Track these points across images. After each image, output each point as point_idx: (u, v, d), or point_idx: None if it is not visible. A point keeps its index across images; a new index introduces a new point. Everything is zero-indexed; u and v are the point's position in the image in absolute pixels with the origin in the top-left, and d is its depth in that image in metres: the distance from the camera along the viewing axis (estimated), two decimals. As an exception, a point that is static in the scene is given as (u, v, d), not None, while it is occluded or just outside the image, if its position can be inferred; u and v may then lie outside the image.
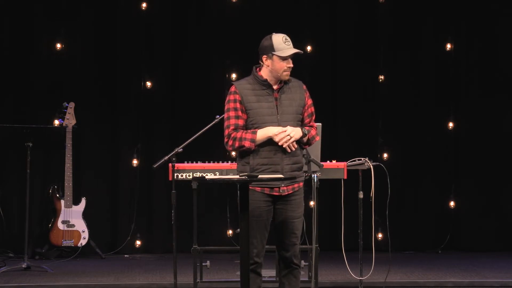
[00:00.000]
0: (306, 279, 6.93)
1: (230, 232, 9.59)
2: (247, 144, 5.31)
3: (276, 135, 5.29)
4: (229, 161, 6.86)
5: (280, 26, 9.82)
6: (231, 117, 5.38)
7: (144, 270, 8.34)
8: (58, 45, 9.62)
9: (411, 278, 7.80)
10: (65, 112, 8.91)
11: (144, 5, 9.77)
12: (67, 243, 8.98)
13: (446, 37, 10.03)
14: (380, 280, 7.28)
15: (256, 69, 5.51)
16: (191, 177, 6.83)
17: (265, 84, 5.42)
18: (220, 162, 6.90)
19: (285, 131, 5.30)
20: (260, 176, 5.18)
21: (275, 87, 5.44)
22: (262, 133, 5.31)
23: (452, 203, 9.98)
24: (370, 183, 6.70)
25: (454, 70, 10.06)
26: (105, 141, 9.74)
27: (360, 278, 6.97)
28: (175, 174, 6.70)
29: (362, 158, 6.83)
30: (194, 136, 6.59)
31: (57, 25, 9.64)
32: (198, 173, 6.86)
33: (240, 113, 5.37)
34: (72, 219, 9.00)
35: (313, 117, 5.57)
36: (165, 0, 9.88)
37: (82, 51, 9.74)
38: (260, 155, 5.33)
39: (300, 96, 5.48)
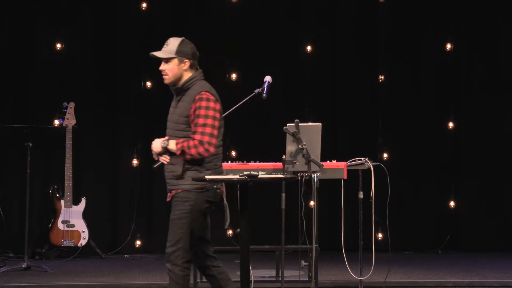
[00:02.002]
0: (306, 279, 6.93)
1: (230, 232, 9.59)
2: None
3: (153, 153, 5.39)
4: (229, 161, 6.85)
5: (280, 26, 9.93)
6: None
7: (144, 270, 8.34)
8: (58, 45, 9.62)
9: (411, 278, 7.80)
10: (65, 112, 8.91)
11: (144, 5, 9.78)
12: (67, 243, 8.98)
13: (446, 37, 10.04)
14: (380, 280, 7.28)
15: None
16: (191, 177, 6.81)
17: (172, 89, 5.48)
18: (220, 162, 6.88)
19: (152, 148, 5.38)
20: (260, 176, 5.17)
21: (176, 93, 5.45)
22: None
23: (452, 203, 9.99)
24: (370, 183, 6.69)
25: (454, 70, 10.07)
26: (105, 141, 9.75)
27: (360, 278, 6.97)
28: (175, 174, 6.69)
29: (362, 158, 6.83)
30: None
31: (57, 25, 9.65)
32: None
33: None
34: (72, 219, 9.01)
35: (198, 129, 5.21)
36: (165, 0, 9.88)
37: (82, 51, 9.74)
38: None
39: (187, 105, 5.33)
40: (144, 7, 9.78)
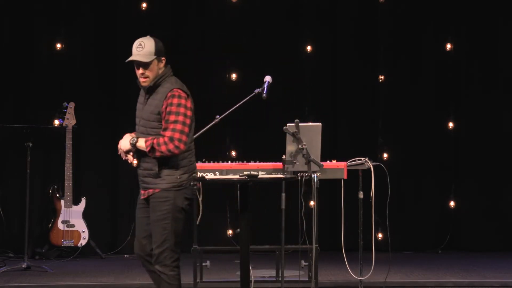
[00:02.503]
0: (306, 279, 6.93)
1: (230, 232, 9.59)
2: None
3: (121, 152, 5.35)
4: (229, 161, 6.85)
5: (280, 26, 9.93)
6: None
7: (144, 270, 8.28)
8: (58, 45, 9.62)
9: (411, 278, 7.80)
10: (65, 112, 8.91)
11: (144, 5, 9.77)
12: (67, 243, 8.98)
13: (446, 37, 10.04)
14: (380, 280, 7.28)
15: None
16: (191, 177, 6.81)
17: (144, 87, 5.37)
18: (220, 162, 6.89)
19: (120, 147, 5.33)
20: (260, 176, 5.18)
21: (147, 91, 5.34)
22: None
23: (452, 203, 9.99)
24: (370, 183, 6.69)
25: (454, 70, 10.06)
26: (105, 141, 9.74)
27: (360, 278, 6.97)
28: (175, 174, 6.69)
29: (362, 158, 6.83)
30: (194, 136, 6.57)
31: (57, 25, 9.65)
32: (198, 173, 6.85)
33: None
34: (72, 219, 9.01)
35: (169, 126, 5.16)
36: (165, 0, 9.88)
37: (82, 51, 9.74)
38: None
39: (158, 102, 5.26)
40: (144, 7, 9.78)
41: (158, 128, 5.21)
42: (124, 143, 5.31)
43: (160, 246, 5.18)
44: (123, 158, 5.36)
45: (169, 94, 5.22)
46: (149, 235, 5.27)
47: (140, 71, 5.30)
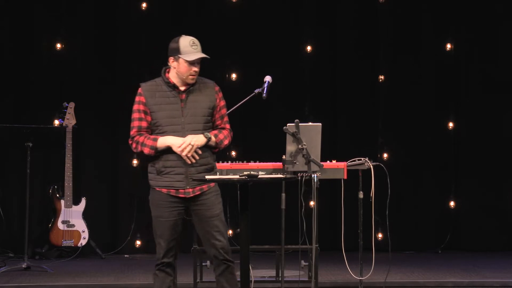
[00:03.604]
0: (306, 279, 6.93)
1: (230, 232, 9.59)
2: (146, 150, 5.30)
3: (178, 147, 5.23)
4: (229, 161, 6.85)
5: (280, 26, 9.93)
6: (135, 119, 5.37)
7: (144, 270, 8.33)
8: (58, 45, 9.62)
9: (411, 278, 7.80)
10: (65, 112, 8.91)
11: (144, 5, 9.78)
12: (67, 243, 8.98)
13: (446, 37, 10.04)
14: (380, 280, 7.28)
15: (165, 70, 5.49)
16: (191, 177, 6.81)
17: (170, 86, 5.36)
18: (220, 162, 6.89)
19: (185, 143, 5.23)
20: (260, 176, 5.18)
21: (182, 88, 5.36)
22: (162, 142, 5.28)
23: (452, 203, 9.99)
24: (370, 183, 6.69)
25: (454, 70, 10.06)
26: (105, 141, 9.75)
27: (360, 278, 6.97)
28: (175, 174, 6.68)
29: (362, 158, 6.83)
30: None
31: (57, 25, 9.65)
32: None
33: (143, 115, 5.35)
34: (72, 219, 9.01)
35: (226, 119, 5.44)
36: (165, 0, 9.88)
37: (82, 51, 9.74)
38: (166, 157, 5.30)
39: (210, 97, 5.38)
40: (144, 7, 9.78)
41: (209, 123, 5.35)
42: (199, 138, 5.27)
43: (225, 238, 5.31)
44: (189, 156, 5.25)
45: (217, 88, 5.45)
46: (178, 238, 5.32)
47: (196, 69, 5.38)
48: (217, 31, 9.78)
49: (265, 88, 6.00)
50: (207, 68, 9.85)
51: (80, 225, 9.02)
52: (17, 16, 9.60)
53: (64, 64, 9.63)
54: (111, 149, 9.78)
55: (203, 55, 5.38)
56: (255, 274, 6.98)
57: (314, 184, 5.87)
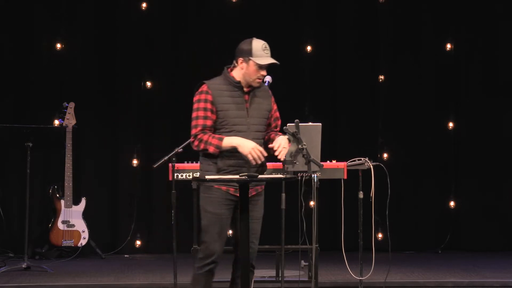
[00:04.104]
0: (306, 279, 6.93)
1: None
2: (211, 149, 5.25)
3: (250, 151, 5.20)
4: (229, 161, 6.84)
5: (280, 26, 9.92)
6: (200, 117, 5.32)
7: (144, 270, 8.34)
8: (58, 45, 9.62)
9: (411, 278, 7.80)
10: (65, 112, 8.91)
11: (144, 5, 9.78)
12: (67, 243, 8.98)
13: (446, 37, 10.04)
14: (380, 280, 7.28)
15: (227, 69, 5.48)
16: (191, 177, 6.82)
17: (237, 86, 5.37)
18: (220, 162, 6.89)
19: (258, 149, 5.23)
20: (260, 176, 5.17)
21: (245, 89, 5.39)
22: (229, 142, 5.24)
23: (452, 203, 9.99)
24: (370, 183, 6.69)
25: (454, 70, 10.07)
26: (105, 141, 9.74)
27: (360, 278, 6.96)
28: (175, 174, 6.70)
29: (362, 158, 6.83)
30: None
31: (57, 25, 9.65)
32: (198, 173, 6.84)
33: (209, 113, 5.31)
34: (72, 219, 9.01)
35: (279, 122, 5.54)
36: (165, 0, 9.88)
37: (82, 51, 9.74)
38: (228, 157, 5.28)
39: (268, 101, 5.44)
40: (144, 7, 9.78)
41: (266, 124, 5.44)
42: (284, 139, 5.34)
43: (256, 245, 5.40)
44: (252, 161, 5.23)
45: (270, 92, 5.51)
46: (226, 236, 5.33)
47: (264, 73, 5.40)
48: (217, 31, 9.78)
49: (265, 88, 5.99)
50: (207, 68, 9.89)
51: (80, 225, 9.02)
52: (17, 16, 9.60)
53: (64, 64, 9.63)
54: (111, 149, 9.78)
55: (274, 61, 5.38)
56: (255, 274, 6.97)
57: (314, 184, 5.87)
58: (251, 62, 5.38)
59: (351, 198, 7.09)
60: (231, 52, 10.38)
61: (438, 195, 10.00)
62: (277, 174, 6.34)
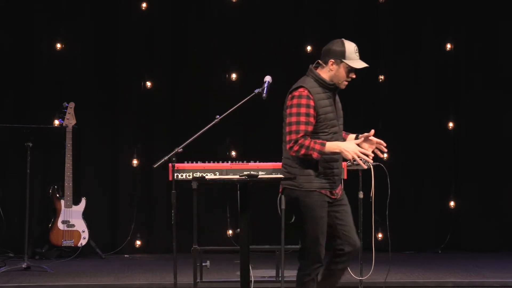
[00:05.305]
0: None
1: (230, 232, 9.59)
2: (314, 155, 5.17)
3: (353, 155, 5.20)
4: (229, 161, 6.85)
5: (280, 26, 9.92)
6: (302, 122, 5.22)
7: (144, 270, 8.34)
8: (58, 45, 9.62)
9: (411, 278, 7.80)
10: (65, 112, 8.91)
11: (144, 5, 9.78)
12: (67, 243, 8.98)
13: (446, 37, 10.04)
14: (380, 280, 7.28)
15: (315, 69, 5.43)
16: (191, 177, 6.82)
17: (331, 87, 5.36)
18: (220, 162, 6.90)
19: (360, 150, 5.25)
20: (260, 176, 5.17)
21: (334, 93, 5.43)
22: (332, 147, 5.21)
23: (452, 203, 9.99)
24: (370, 183, 6.69)
25: (454, 70, 10.06)
26: (105, 141, 9.75)
27: (360, 278, 6.96)
28: (175, 174, 6.69)
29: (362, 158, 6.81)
30: (194, 136, 6.57)
31: (57, 25, 9.65)
32: (198, 173, 6.84)
33: (311, 119, 5.25)
34: (72, 219, 9.01)
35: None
36: (165, 0, 9.88)
37: (82, 51, 9.74)
38: (330, 160, 5.28)
39: (340, 104, 5.51)
40: (144, 7, 9.78)
41: None
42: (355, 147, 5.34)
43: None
44: (358, 161, 5.27)
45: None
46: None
47: (354, 76, 5.45)
48: (217, 31, 9.78)
49: (265, 88, 6.00)
50: (207, 68, 9.91)
51: (80, 225, 9.02)
52: (17, 16, 9.59)
53: (64, 64, 9.63)
54: (111, 149, 9.78)
55: (366, 65, 5.43)
56: (255, 274, 6.97)
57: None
58: (343, 65, 5.39)
59: (351, 198, 7.05)
60: (231, 52, 10.41)
61: (438, 195, 10.00)
62: (277, 174, 6.33)
